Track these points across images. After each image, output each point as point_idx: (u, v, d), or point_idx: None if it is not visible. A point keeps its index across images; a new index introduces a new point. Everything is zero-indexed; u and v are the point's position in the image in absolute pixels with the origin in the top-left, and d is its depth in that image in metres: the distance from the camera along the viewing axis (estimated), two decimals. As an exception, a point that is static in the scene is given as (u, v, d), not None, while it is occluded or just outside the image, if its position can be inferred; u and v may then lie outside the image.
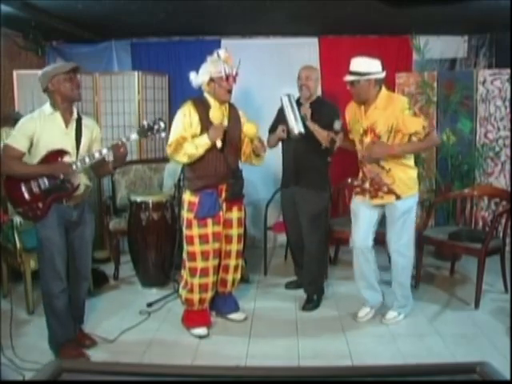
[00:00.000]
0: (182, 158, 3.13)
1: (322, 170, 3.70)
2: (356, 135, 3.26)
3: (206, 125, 3.12)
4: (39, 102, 4.56)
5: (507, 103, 4.68)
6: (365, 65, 3.07)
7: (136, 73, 4.84)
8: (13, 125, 4.13)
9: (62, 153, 2.79)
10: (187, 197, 3.21)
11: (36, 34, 4.72)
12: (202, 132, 3.11)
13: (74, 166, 2.78)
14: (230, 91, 3.16)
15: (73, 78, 2.81)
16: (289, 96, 3.47)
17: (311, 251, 3.69)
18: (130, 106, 4.83)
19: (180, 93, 4.99)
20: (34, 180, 2.78)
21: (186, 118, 3.11)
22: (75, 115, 2.87)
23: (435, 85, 4.75)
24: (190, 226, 3.18)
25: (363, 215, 3.32)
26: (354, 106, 3.27)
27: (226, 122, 3.20)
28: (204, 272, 3.21)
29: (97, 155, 2.81)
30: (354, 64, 3.10)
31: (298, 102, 3.58)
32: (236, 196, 3.30)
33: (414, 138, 3.08)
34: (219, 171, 3.17)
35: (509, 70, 4.64)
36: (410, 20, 4.34)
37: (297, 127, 3.39)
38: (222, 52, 3.15)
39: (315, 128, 3.45)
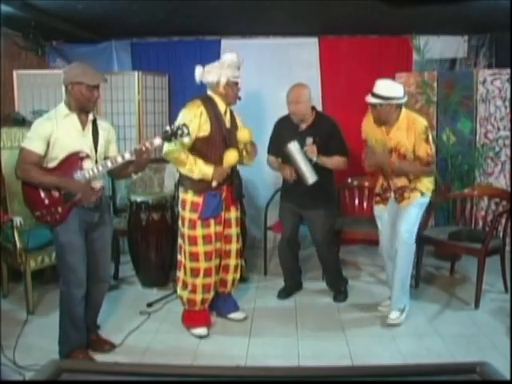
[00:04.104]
0: (177, 167, 3.16)
1: (329, 187, 3.68)
2: (380, 149, 3.28)
3: (215, 126, 3.12)
4: (39, 102, 4.60)
5: (507, 103, 4.68)
6: (388, 89, 3.13)
7: (136, 73, 4.84)
8: (13, 125, 4.16)
9: (81, 156, 2.71)
10: (190, 197, 3.18)
11: (36, 34, 4.71)
12: (210, 132, 3.11)
13: (96, 170, 2.71)
14: (239, 96, 3.22)
15: (94, 91, 2.69)
16: (294, 144, 3.42)
17: (328, 259, 3.80)
18: (130, 106, 4.83)
19: (180, 93, 5.01)
20: None
21: (196, 118, 3.05)
22: (91, 117, 2.78)
23: (435, 85, 4.75)
24: (193, 226, 3.16)
25: (386, 221, 3.43)
26: (373, 124, 3.28)
27: (228, 124, 3.22)
28: (207, 272, 3.21)
29: (119, 159, 2.72)
30: (377, 87, 3.14)
31: (292, 124, 3.54)
32: (240, 196, 3.35)
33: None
34: None
35: (509, 70, 4.63)
36: (409, 20, 4.34)
37: (310, 177, 3.42)
38: (237, 57, 3.17)
39: (325, 161, 3.47)
